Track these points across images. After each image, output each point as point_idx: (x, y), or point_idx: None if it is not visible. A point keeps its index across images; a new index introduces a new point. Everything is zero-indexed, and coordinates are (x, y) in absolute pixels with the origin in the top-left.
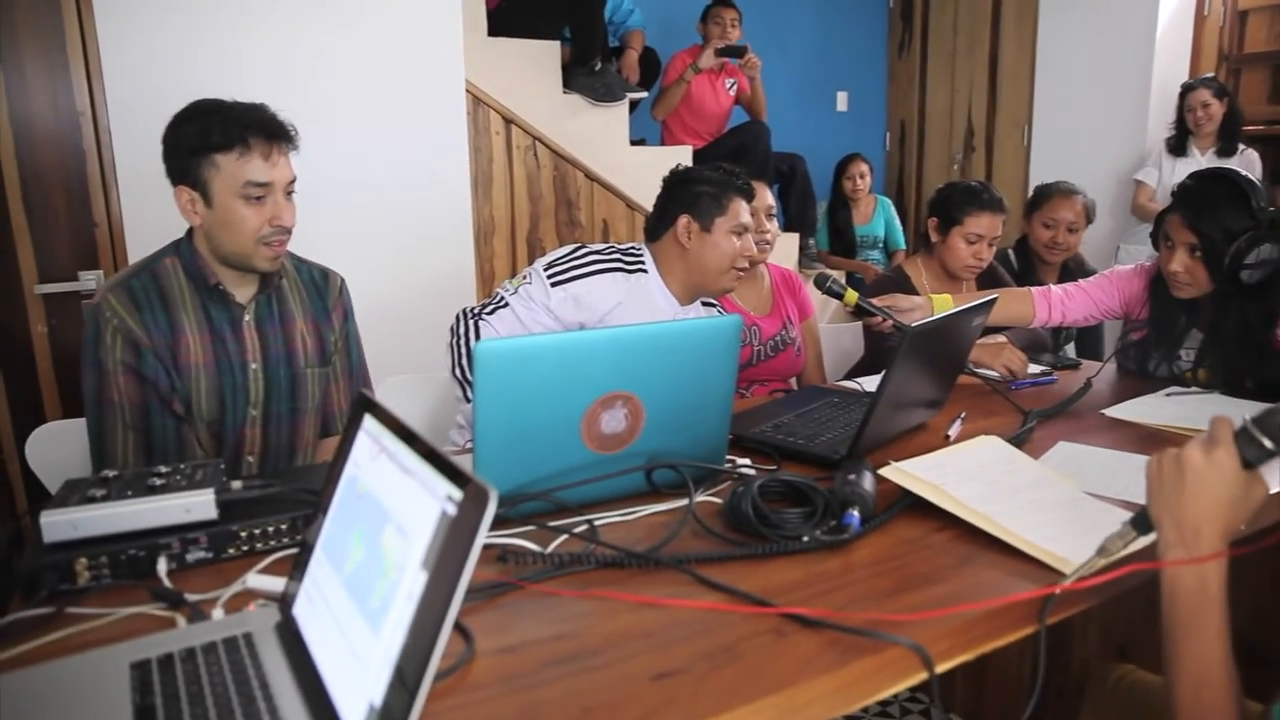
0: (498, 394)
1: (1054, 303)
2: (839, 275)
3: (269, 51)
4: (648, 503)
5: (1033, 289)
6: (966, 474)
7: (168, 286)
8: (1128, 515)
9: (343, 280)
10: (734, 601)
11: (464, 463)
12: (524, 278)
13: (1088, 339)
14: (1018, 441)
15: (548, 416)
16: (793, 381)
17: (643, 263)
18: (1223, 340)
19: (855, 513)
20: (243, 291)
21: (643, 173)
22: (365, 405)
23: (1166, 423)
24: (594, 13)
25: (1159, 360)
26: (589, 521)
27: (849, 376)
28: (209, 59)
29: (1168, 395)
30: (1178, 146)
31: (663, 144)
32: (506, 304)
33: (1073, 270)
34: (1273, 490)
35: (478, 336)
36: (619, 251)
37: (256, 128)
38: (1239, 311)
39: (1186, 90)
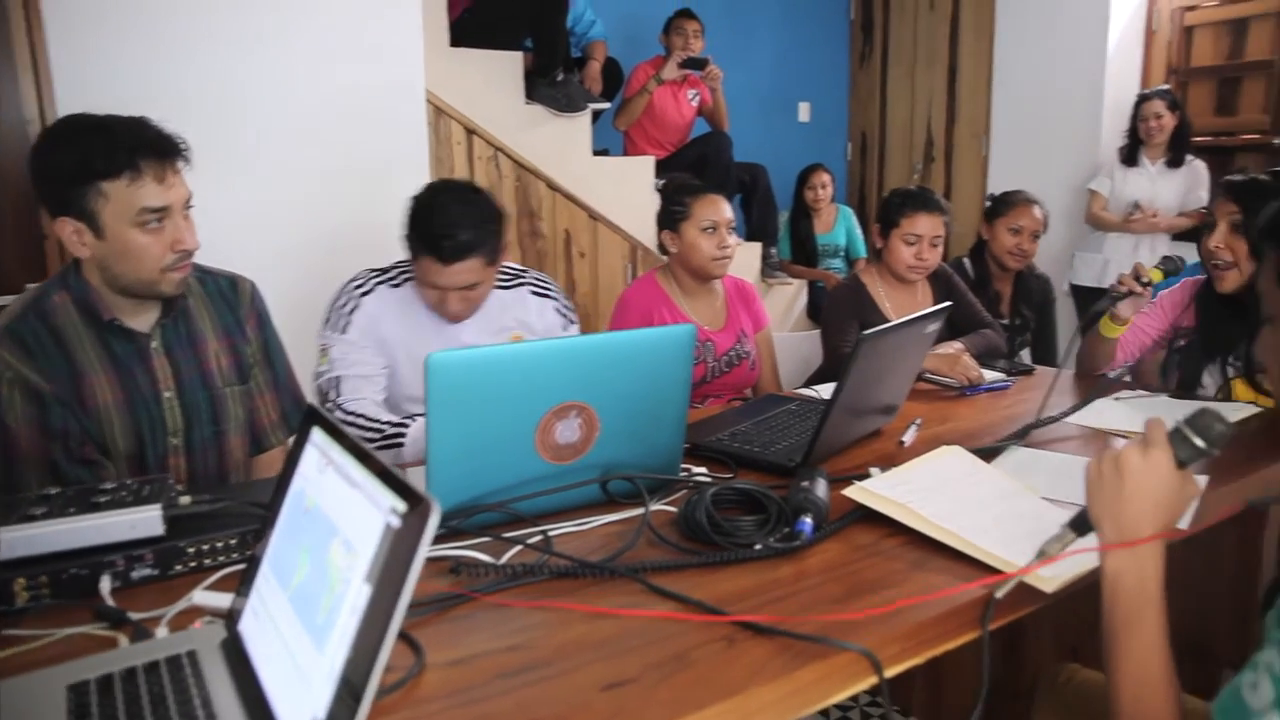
0: (450, 405)
1: (1124, 345)
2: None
3: (223, 61)
4: (603, 512)
5: None
6: (931, 489)
7: (61, 326)
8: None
9: (253, 286)
10: (686, 610)
11: (417, 475)
12: (323, 350)
13: (1042, 344)
14: (989, 454)
15: (501, 427)
16: (748, 393)
17: (412, 274)
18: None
19: (808, 520)
20: (143, 320)
21: (605, 183)
22: (314, 418)
23: (1113, 426)
24: (556, 23)
25: (1206, 365)
26: (543, 532)
27: (808, 384)
28: (161, 68)
29: (1116, 399)
30: (1130, 157)
31: (625, 154)
32: (339, 376)
33: (1027, 279)
34: (1201, 489)
35: (345, 415)
36: (376, 271)
37: (145, 148)
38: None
39: (1141, 101)
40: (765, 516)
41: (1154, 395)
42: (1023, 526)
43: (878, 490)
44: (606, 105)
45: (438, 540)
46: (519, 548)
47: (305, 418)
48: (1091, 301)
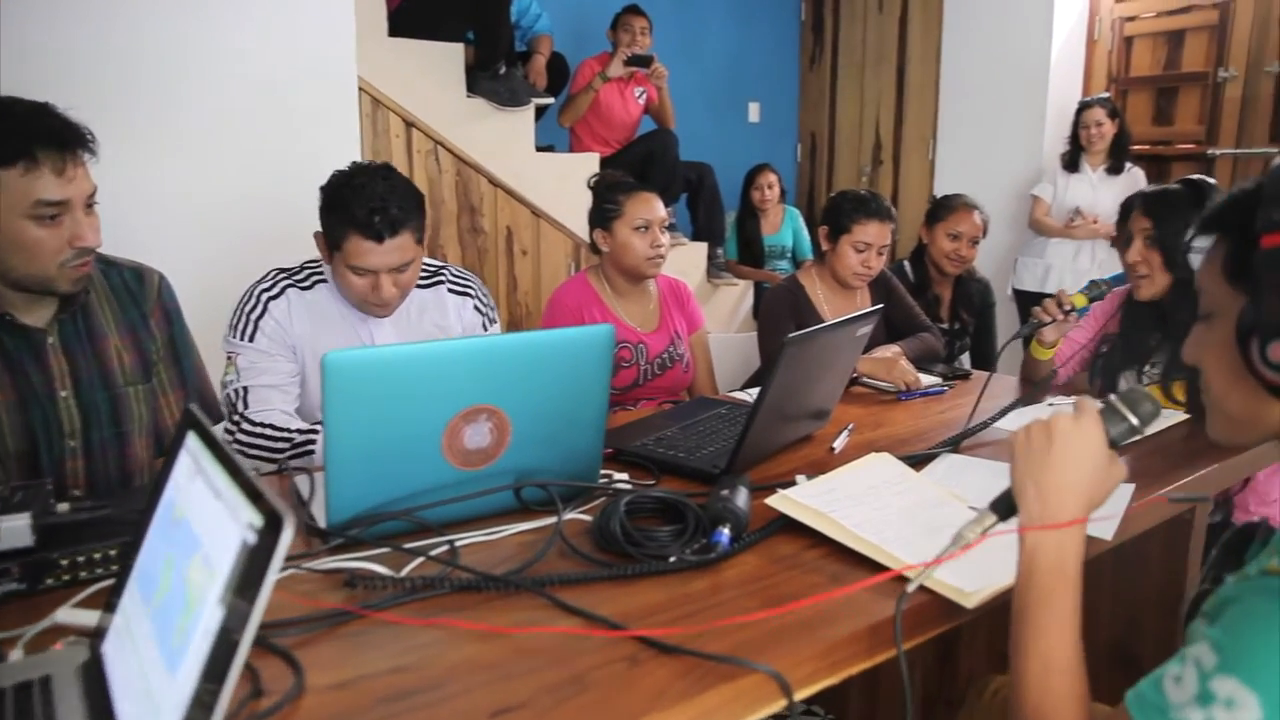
0: (348, 408)
1: (1062, 359)
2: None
3: (141, 44)
4: (515, 521)
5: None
6: (855, 497)
7: None
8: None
9: (162, 278)
10: (588, 626)
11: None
12: (229, 360)
13: (981, 349)
14: (919, 461)
15: (405, 432)
16: (683, 395)
17: (322, 274)
18: (1182, 339)
19: (725, 531)
20: (39, 314)
21: (549, 180)
22: (190, 421)
23: None
24: (499, 15)
25: (1123, 372)
26: (450, 542)
27: (744, 387)
28: (78, 47)
29: (1049, 404)
30: (1071, 163)
31: (571, 151)
32: (246, 387)
33: (967, 283)
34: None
35: (252, 427)
36: (284, 273)
37: (45, 137)
38: (1193, 303)
39: (1082, 108)
40: (683, 527)
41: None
42: (948, 537)
43: (800, 499)
44: (551, 101)
45: (335, 551)
46: (420, 560)
47: (182, 421)
48: (1034, 305)
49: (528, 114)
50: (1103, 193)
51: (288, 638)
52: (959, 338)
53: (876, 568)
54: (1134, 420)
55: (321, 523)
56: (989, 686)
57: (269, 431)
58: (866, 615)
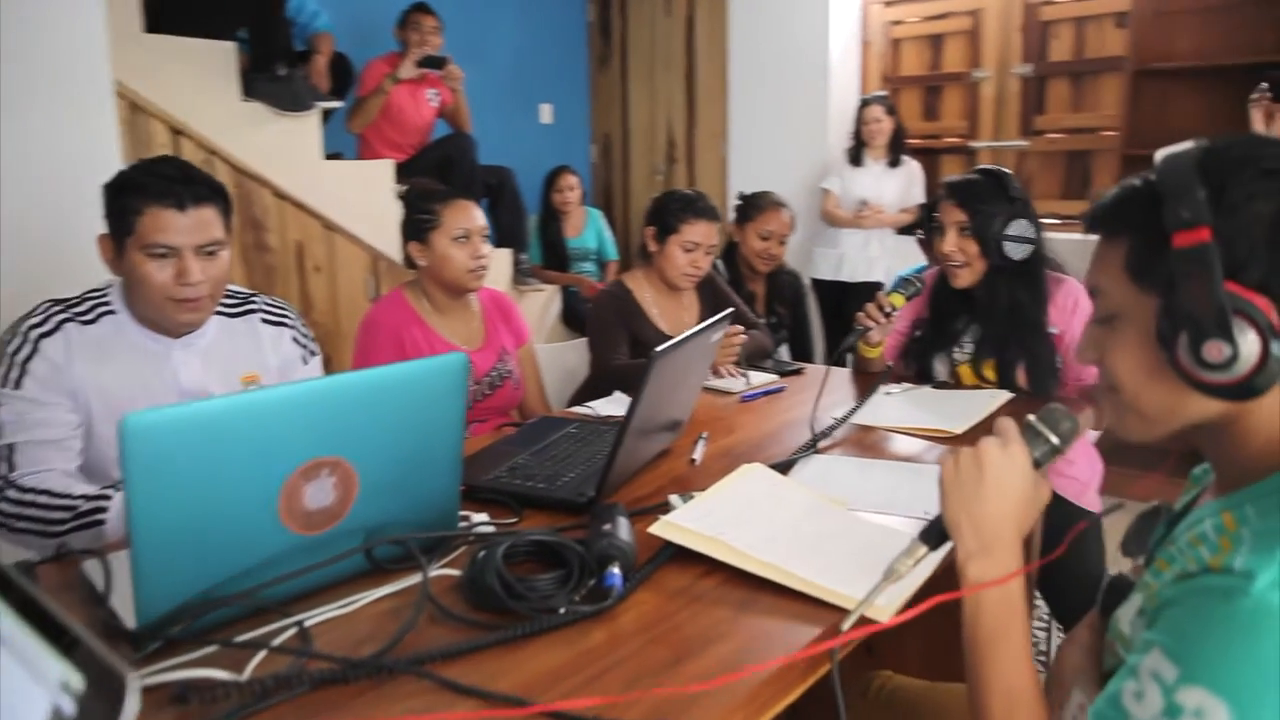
0: (158, 479)
1: (889, 350)
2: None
3: None
4: (371, 586)
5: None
6: (739, 515)
7: None
8: (907, 532)
9: None
10: (488, 706)
11: (100, 569)
12: None
13: (799, 340)
14: (784, 467)
15: (232, 498)
16: (514, 414)
17: (108, 303)
18: (996, 322)
19: (617, 570)
20: None
21: (340, 190)
22: None
23: (889, 423)
24: (273, 10)
25: (935, 355)
26: (298, 623)
27: (578, 401)
28: None
29: (885, 394)
30: (855, 157)
31: (360, 158)
32: (11, 445)
33: (779, 276)
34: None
35: (22, 494)
36: (59, 305)
37: None
38: (1008, 290)
39: (862, 105)
40: (566, 571)
41: (917, 387)
42: (841, 547)
43: (684, 524)
44: (338, 104)
45: (154, 658)
46: (264, 653)
47: None
48: (831, 295)
49: (313, 119)
50: (885, 184)
51: None
52: (777, 331)
53: (778, 588)
54: (1055, 440)
55: (129, 622)
56: (872, 684)
57: (44, 499)
58: (783, 645)
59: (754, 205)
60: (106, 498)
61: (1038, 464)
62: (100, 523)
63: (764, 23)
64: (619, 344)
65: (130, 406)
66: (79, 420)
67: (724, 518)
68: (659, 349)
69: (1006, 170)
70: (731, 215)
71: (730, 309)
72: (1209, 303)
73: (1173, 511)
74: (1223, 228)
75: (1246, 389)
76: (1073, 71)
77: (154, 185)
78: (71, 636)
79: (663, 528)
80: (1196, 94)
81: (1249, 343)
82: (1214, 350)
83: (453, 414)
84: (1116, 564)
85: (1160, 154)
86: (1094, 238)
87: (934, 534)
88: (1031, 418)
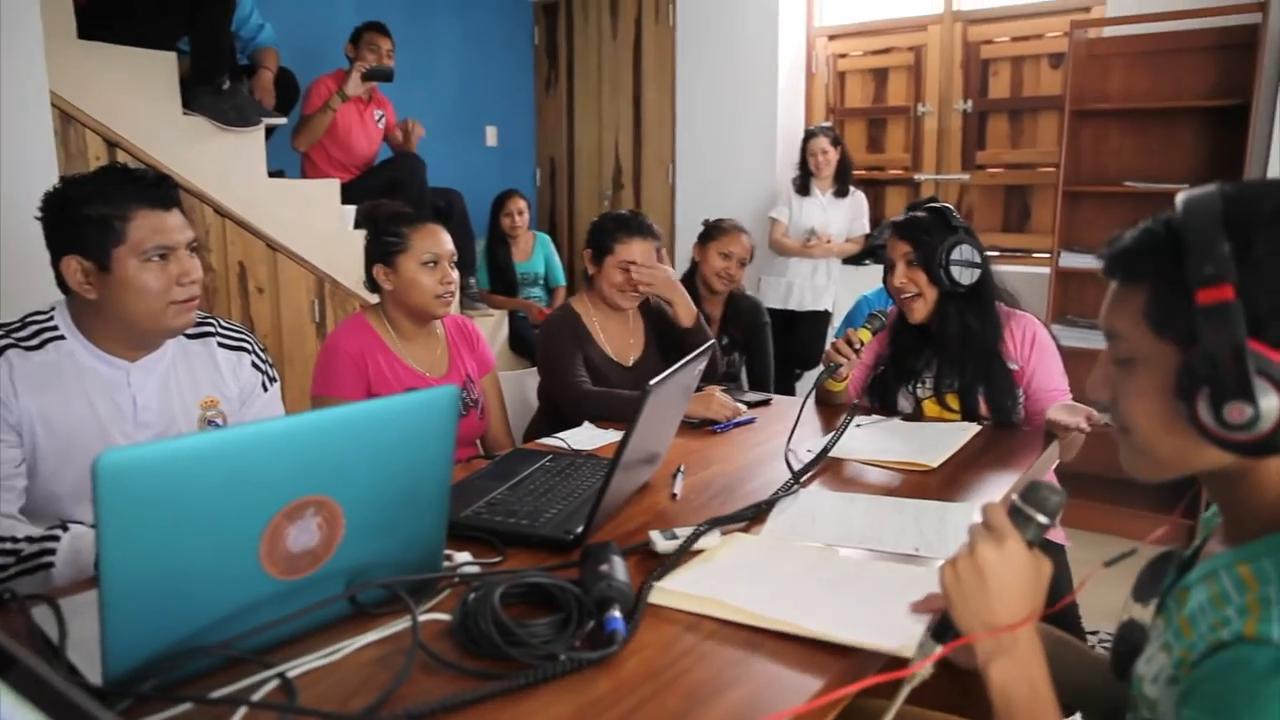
0: (131, 521)
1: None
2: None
3: None
4: (357, 632)
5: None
6: (737, 576)
7: None
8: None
9: None
10: None
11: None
12: None
13: (757, 369)
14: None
15: (211, 542)
16: (477, 444)
17: (54, 328)
18: (951, 349)
19: (618, 614)
20: None
21: (285, 209)
22: None
23: (861, 456)
24: (218, 20)
25: (898, 390)
26: (280, 675)
27: (534, 430)
28: None
29: (857, 425)
30: (803, 187)
31: (304, 176)
32: None
33: (738, 300)
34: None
35: None
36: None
37: None
38: (959, 316)
39: (808, 137)
40: (563, 615)
41: (887, 419)
42: (842, 594)
43: (682, 589)
44: (283, 121)
45: (127, 717)
46: (244, 709)
47: None
48: (780, 322)
49: (257, 135)
50: (833, 214)
51: None
52: (728, 353)
53: (784, 635)
54: (1043, 519)
55: (95, 677)
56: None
57: None
58: (796, 691)
59: (717, 228)
60: (54, 538)
61: (1030, 544)
62: (48, 565)
63: (711, 50)
64: (578, 367)
65: (82, 438)
66: (20, 456)
67: (721, 581)
68: (653, 381)
69: (947, 204)
70: (691, 239)
71: (709, 341)
72: (1231, 363)
73: (1183, 557)
74: (1247, 284)
75: (1265, 447)
76: (1012, 109)
77: (134, 190)
78: (66, 701)
79: (660, 595)
80: (1130, 135)
81: (1271, 403)
82: (1235, 412)
83: (442, 449)
84: (1127, 609)
85: (1181, 198)
86: (1044, 270)
87: (943, 632)
88: (1017, 500)
